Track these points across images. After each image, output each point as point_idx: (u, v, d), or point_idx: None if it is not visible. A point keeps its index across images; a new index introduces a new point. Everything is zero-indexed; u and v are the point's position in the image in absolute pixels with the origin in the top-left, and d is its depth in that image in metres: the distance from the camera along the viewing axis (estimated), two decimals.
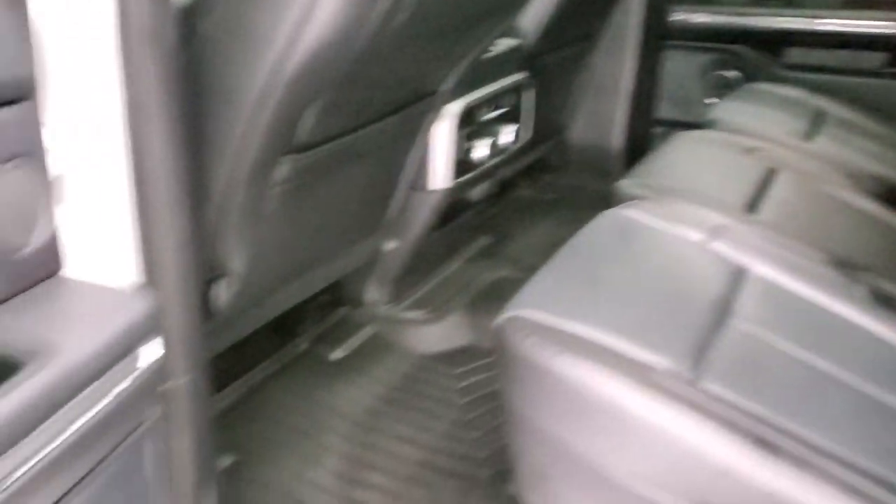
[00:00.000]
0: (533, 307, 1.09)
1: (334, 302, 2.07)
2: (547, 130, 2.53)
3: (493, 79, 1.92)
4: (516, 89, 2.04)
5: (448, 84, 1.62)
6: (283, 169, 1.22)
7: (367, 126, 1.38)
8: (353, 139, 1.36)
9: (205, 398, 1.05)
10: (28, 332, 0.63)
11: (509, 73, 2.02)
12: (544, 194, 2.85)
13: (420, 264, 2.08)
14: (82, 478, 0.67)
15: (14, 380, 0.57)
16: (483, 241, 2.42)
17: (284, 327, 1.96)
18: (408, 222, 1.87)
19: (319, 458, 1.60)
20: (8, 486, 0.56)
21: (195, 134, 1.03)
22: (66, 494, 0.65)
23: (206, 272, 1.25)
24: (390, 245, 1.92)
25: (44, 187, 0.69)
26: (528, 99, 2.12)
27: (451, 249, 2.29)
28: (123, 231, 0.84)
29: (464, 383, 1.85)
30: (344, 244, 1.72)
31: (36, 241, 0.68)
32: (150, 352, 0.70)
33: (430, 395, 1.81)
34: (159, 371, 0.72)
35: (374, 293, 2.04)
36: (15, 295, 0.67)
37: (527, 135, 2.12)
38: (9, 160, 0.65)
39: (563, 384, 0.99)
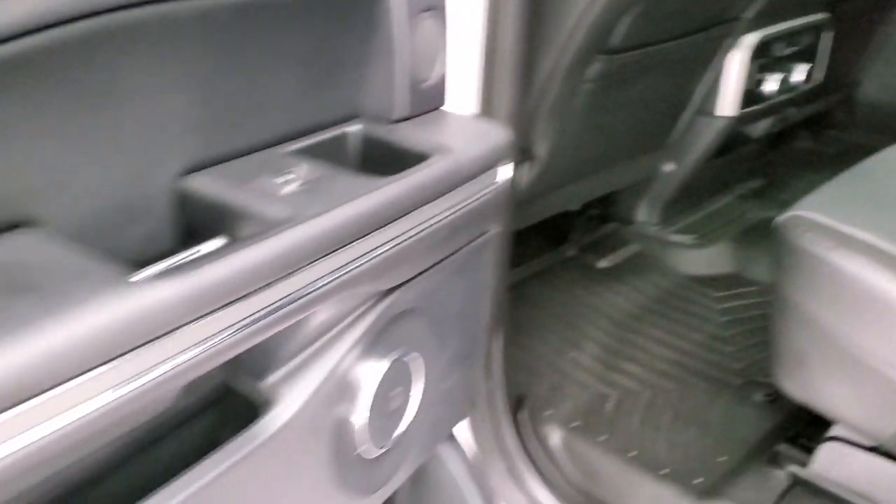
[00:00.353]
0: (814, 210, 1.18)
1: (604, 217, 2.23)
2: (837, 81, 2.49)
3: (794, 16, 1.95)
4: (815, 28, 2.05)
5: (750, 13, 1.70)
6: (595, 68, 1.39)
7: (671, 41, 1.51)
8: (657, 51, 1.50)
9: (508, 251, 1.26)
10: (429, 138, 0.85)
11: (810, 12, 2.03)
12: (825, 148, 2.80)
13: (692, 191, 2.18)
14: (440, 260, 0.89)
15: (427, 161, 0.79)
16: (756, 182, 2.46)
17: (556, 234, 2.16)
18: (689, 146, 1.98)
19: (580, 343, 1.78)
20: (396, 246, 0.77)
21: (534, 25, 1.22)
22: (426, 270, 0.87)
23: (516, 153, 1.45)
24: (668, 167, 2.03)
25: (442, 36, 0.90)
26: (826, 41, 2.12)
27: (724, 183, 2.35)
28: (476, 82, 1.06)
29: (724, 305, 1.95)
30: (628, 155, 1.87)
31: (434, 76, 0.90)
32: (505, 172, 0.90)
33: (690, 311, 1.93)
34: (507, 190, 0.92)
35: (644, 213, 2.17)
36: (415, 116, 0.89)
37: (819, 77, 2.13)
38: (425, 10, 0.87)
39: (836, 274, 1.08)
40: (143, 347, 0.52)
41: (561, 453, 1.49)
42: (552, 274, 2.05)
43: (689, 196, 2.19)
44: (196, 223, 0.70)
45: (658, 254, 2.13)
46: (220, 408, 0.76)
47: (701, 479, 1.40)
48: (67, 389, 0.48)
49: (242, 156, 0.75)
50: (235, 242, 0.63)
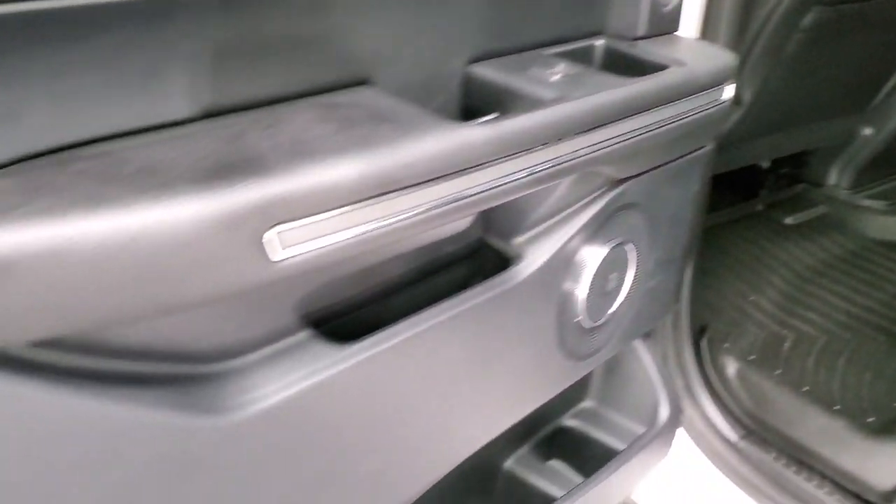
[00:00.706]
0: None
1: (794, 177, 2.27)
2: None
3: None
4: None
5: None
6: (811, 17, 1.45)
7: None
8: (876, 5, 1.54)
9: (709, 175, 1.36)
10: (666, 54, 0.98)
11: None
12: None
13: (889, 158, 2.17)
14: (664, 163, 1.02)
15: (667, 71, 0.92)
16: None
17: (746, 189, 2.22)
18: (892, 111, 1.98)
19: (762, 288, 1.86)
20: (633, 138, 0.90)
21: None
22: (652, 169, 1.01)
23: None
24: (867, 131, 2.04)
25: None
26: None
27: None
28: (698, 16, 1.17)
29: None
30: (827, 115, 1.90)
31: (673, 2, 1.02)
32: (729, 91, 1.02)
33: (874, 272, 1.95)
34: (728, 109, 1.04)
35: (835, 176, 2.19)
36: (654, 36, 1.02)
37: None
38: None
39: None
40: (459, 174, 0.69)
41: (735, 381, 1.59)
42: (739, 225, 2.12)
43: (885, 163, 2.19)
44: (475, 102, 0.86)
45: (847, 216, 2.16)
46: (475, 259, 0.94)
47: (873, 419, 1.46)
48: (407, 194, 0.66)
49: (513, 53, 0.91)
50: (526, 110, 0.78)
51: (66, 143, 0.56)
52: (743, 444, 1.50)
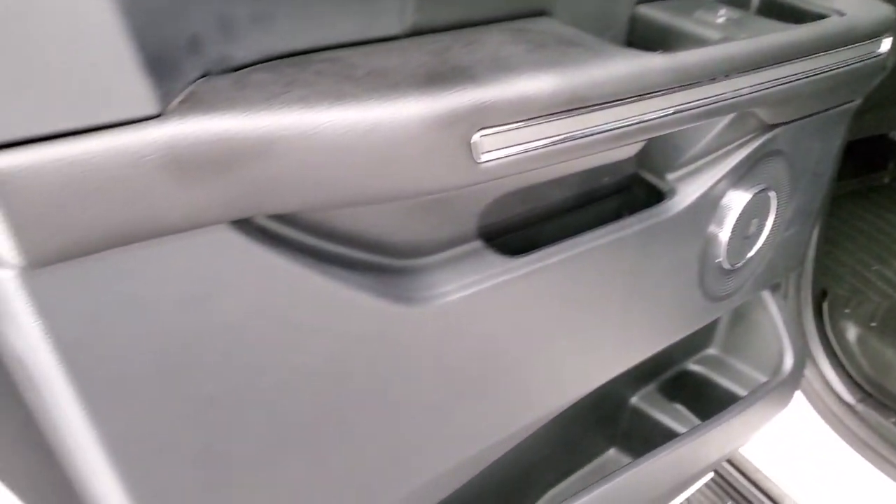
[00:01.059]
0: None
1: None
2: None
3: None
4: None
5: None
6: None
7: None
8: None
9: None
10: (823, 4, 0.99)
11: None
12: None
13: None
14: (813, 113, 1.04)
15: (827, 19, 0.94)
16: None
17: (872, 160, 2.19)
18: None
19: (886, 259, 1.84)
20: (789, 83, 0.92)
21: None
22: (802, 118, 1.03)
23: None
24: None
25: None
26: None
27: None
28: None
29: None
30: None
31: None
32: (886, 44, 1.03)
33: None
34: (882, 62, 1.05)
35: None
36: None
37: None
38: None
39: None
40: (638, 98, 0.74)
41: (855, 346, 1.59)
42: (863, 196, 2.10)
43: None
44: (640, 41, 0.91)
45: None
46: (628, 193, 0.99)
47: None
48: (591, 112, 0.71)
49: None
50: (703, 46, 0.82)
51: (303, 48, 0.64)
52: (861, 408, 1.51)
